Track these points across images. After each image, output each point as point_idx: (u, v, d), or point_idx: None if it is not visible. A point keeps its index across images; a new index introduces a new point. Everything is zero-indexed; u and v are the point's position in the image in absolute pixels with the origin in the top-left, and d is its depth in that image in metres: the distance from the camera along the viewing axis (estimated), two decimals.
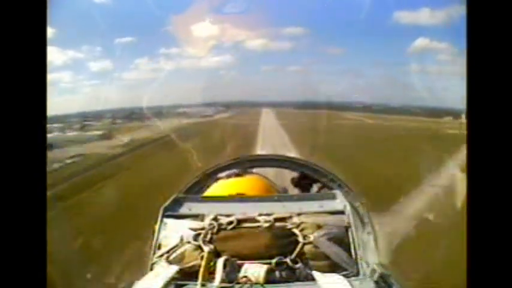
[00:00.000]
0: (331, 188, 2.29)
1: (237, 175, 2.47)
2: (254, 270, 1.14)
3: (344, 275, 1.17)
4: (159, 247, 1.33)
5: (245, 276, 1.14)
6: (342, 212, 1.41)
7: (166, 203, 1.50)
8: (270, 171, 2.73)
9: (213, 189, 2.22)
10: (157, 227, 1.39)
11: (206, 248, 1.21)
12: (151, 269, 1.24)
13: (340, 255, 1.25)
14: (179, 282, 1.17)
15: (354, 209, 2.02)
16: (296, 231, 1.29)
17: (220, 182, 2.35)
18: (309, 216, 1.36)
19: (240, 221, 1.32)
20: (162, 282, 1.09)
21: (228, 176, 2.45)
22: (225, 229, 1.30)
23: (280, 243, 1.25)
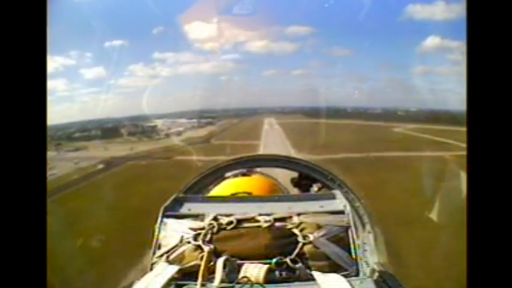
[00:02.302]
0: (331, 188, 2.29)
1: (244, 174, 2.51)
2: (254, 270, 1.15)
3: (344, 275, 1.17)
4: (159, 247, 1.33)
5: (245, 276, 1.14)
6: (342, 212, 1.41)
7: (166, 203, 1.49)
8: (273, 171, 2.75)
9: (220, 188, 2.26)
10: (157, 227, 1.39)
11: (206, 248, 1.21)
12: (151, 269, 1.24)
13: (340, 255, 1.25)
14: (179, 282, 1.17)
15: (354, 209, 2.03)
16: (296, 231, 1.29)
17: (227, 180, 2.39)
18: (309, 216, 1.36)
19: (240, 221, 1.32)
20: (162, 282, 1.09)
21: (235, 175, 2.49)
22: (225, 229, 1.30)
23: (280, 243, 1.25)
